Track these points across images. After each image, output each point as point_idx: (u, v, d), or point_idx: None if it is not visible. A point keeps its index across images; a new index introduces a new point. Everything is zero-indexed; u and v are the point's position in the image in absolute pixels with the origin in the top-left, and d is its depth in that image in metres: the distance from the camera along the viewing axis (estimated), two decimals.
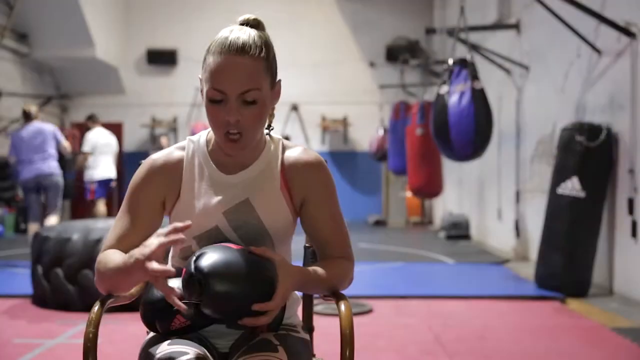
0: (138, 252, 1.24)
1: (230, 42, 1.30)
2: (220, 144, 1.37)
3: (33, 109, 6.52)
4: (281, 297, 1.26)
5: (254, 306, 1.21)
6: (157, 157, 1.45)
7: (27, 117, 6.42)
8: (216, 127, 1.34)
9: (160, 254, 1.23)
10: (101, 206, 7.93)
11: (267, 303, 1.23)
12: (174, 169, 1.44)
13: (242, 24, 1.37)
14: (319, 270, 1.39)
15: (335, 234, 1.46)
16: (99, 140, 7.83)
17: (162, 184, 1.42)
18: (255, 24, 1.38)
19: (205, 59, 1.33)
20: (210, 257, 1.23)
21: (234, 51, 1.29)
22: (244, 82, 1.29)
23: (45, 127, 6.39)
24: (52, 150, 6.31)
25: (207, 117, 1.35)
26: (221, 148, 1.41)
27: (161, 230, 1.26)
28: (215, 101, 1.31)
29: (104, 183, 7.93)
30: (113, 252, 1.37)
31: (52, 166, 6.29)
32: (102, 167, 7.83)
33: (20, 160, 6.29)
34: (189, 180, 1.43)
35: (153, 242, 1.24)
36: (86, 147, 7.84)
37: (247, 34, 1.32)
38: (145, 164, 1.45)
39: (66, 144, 6.51)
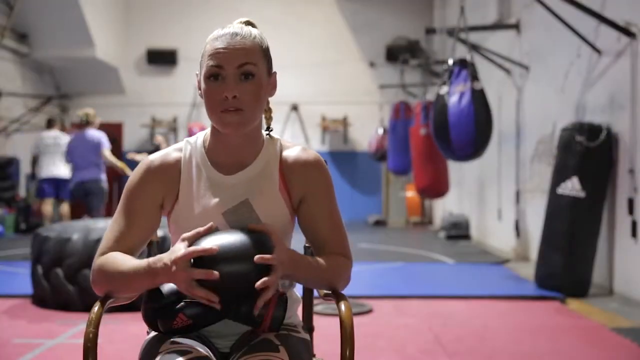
0: (167, 257, 1.25)
1: (225, 31, 1.37)
2: (218, 123, 1.37)
3: (89, 112, 6.72)
4: (279, 256, 1.27)
5: (258, 284, 1.23)
6: (154, 158, 1.45)
7: (82, 122, 6.71)
8: (213, 106, 1.35)
9: (188, 261, 1.24)
10: (47, 206, 7.97)
11: (269, 255, 1.24)
12: (171, 170, 1.43)
13: None
14: (317, 259, 1.40)
15: (333, 233, 1.46)
16: (45, 140, 7.92)
17: (159, 185, 1.42)
18: (249, 24, 1.44)
19: (202, 55, 1.38)
20: (205, 244, 1.26)
21: (229, 35, 1.35)
22: (241, 56, 1.34)
23: (91, 134, 6.64)
24: (94, 158, 6.57)
25: (204, 101, 1.36)
26: (219, 132, 1.40)
27: (186, 235, 1.27)
28: (212, 78, 1.34)
29: (53, 182, 7.94)
30: (121, 254, 1.36)
31: (93, 172, 6.58)
32: (46, 166, 7.90)
33: (71, 165, 6.77)
34: (187, 181, 1.43)
35: (180, 247, 1.26)
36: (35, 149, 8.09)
37: (241, 26, 1.40)
38: (142, 165, 1.45)
39: (107, 153, 6.67)
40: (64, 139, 8.06)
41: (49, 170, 7.84)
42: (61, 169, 7.92)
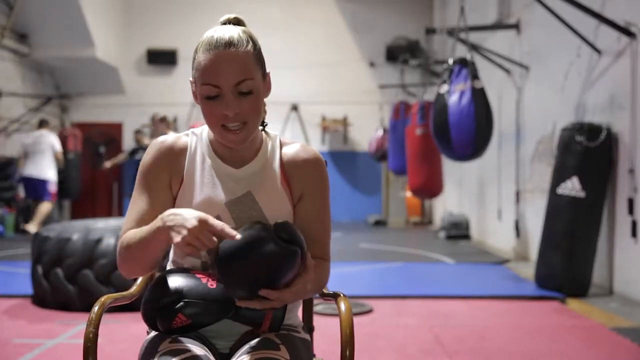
0: (188, 213, 1.26)
1: (217, 39, 1.33)
2: (220, 139, 1.39)
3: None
4: (288, 296, 1.30)
5: (261, 292, 1.27)
6: (164, 139, 1.49)
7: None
8: (213, 123, 1.36)
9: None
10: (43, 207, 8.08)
11: (271, 291, 1.28)
12: (178, 153, 1.47)
13: (223, 24, 1.41)
14: (310, 281, 1.40)
15: (321, 235, 1.50)
16: (25, 140, 8.06)
17: (167, 166, 1.45)
18: (236, 22, 1.42)
19: (194, 59, 1.36)
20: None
21: (222, 46, 1.32)
22: (237, 73, 1.32)
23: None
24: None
25: (202, 114, 1.37)
26: (222, 143, 1.44)
27: (215, 221, 1.26)
28: (210, 98, 1.34)
29: (31, 182, 7.97)
30: (137, 229, 1.38)
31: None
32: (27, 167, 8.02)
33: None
34: (191, 168, 1.46)
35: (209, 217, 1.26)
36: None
37: (232, 30, 1.36)
38: (153, 145, 1.48)
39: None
40: (47, 137, 8.24)
41: (27, 170, 7.99)
42: (36, 168, 8.01)
